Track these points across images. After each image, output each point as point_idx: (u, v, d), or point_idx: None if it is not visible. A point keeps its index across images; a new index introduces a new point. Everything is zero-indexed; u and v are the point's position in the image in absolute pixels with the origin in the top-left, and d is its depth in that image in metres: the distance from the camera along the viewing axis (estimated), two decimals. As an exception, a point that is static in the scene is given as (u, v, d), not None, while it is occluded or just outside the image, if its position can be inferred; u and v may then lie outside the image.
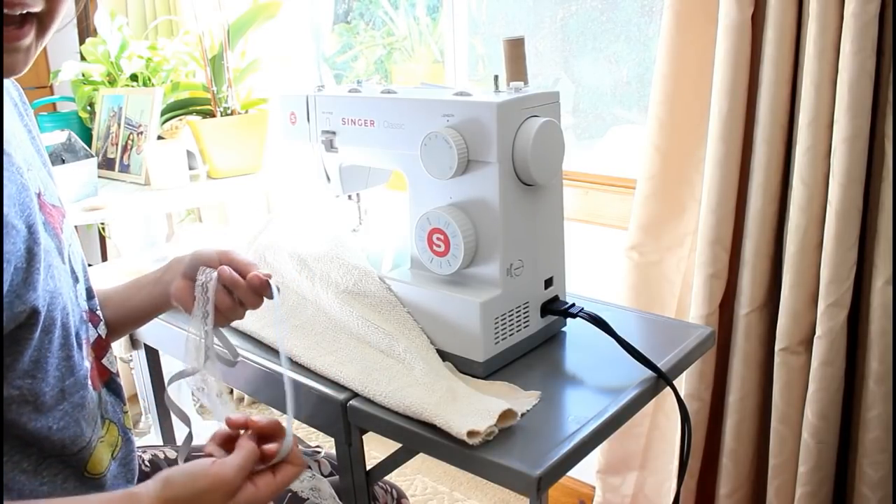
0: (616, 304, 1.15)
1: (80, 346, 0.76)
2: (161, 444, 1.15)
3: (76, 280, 0.79)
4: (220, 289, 0.81)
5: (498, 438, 0.77)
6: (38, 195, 0.75)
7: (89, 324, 0.81)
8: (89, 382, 0.77)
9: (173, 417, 1.30)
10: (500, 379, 0.90)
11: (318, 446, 1.06)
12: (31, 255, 0.67)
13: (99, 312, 0.86)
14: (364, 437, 0.88)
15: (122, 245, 2.01)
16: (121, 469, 0.84)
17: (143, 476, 1.00)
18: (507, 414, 0.79)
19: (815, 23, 1.17)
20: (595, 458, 1.68)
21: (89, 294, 0.84)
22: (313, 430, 1.64)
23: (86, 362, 0.77)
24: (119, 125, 1.86)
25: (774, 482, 1.39)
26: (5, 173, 0.68)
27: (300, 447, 1.14)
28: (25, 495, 0.71)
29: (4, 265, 0.64)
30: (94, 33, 1.94)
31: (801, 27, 1.23)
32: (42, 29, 0.67)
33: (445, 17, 1.94)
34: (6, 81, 0.80)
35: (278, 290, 0.81)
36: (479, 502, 1.92)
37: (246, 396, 2.46)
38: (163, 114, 1.85)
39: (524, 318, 0.94)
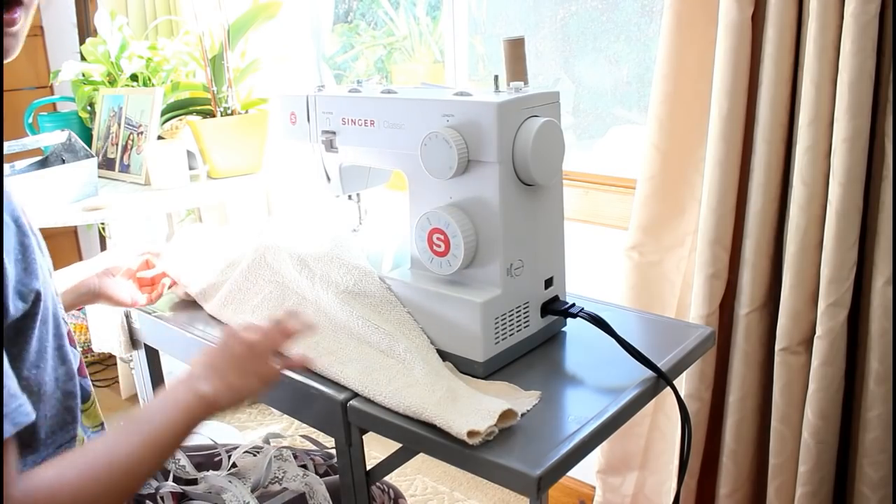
0: (616, 304, 1.15)
1: (70, 338, 0.79)
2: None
3: (50, 274, 0.81)
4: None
5: (498, 438, 0.77)
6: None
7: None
8: (77, 374, 0.79)
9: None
10: (500, 379, 0.90)
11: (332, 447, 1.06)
12: (23, 247, 0.69)
13: None
14: (364, 437, 0.88)
15: (122, 245, 2.01)
16: None
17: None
18: (507, 414, 0.79)
19: (815, 22, 1.17)
20: (595, 458, 1.68)
21: None
22: (313, 429, 1.64)
23: (75, 352, 0.79)
24: (119, 125, 1.86)
25: (774, 482, 1.39)
26: None
27: (315, 446, 1.14)
28: None
29: (6, 259, 0.65)
30: (95, 33, 1.94)
31: (801, 27, 1.23)
32: (27, 11, 0.70)
33: (445, 17, 1.95)
34: None
35: None
36: (479, 502, 1.92)
37: (246, 396, 2.45)
38: (163, 114, 1.85)
39: (524, 318, 0.94)
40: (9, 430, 0.60)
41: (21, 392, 0.63)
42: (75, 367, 0.79)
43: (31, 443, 0.73)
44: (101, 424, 0.88)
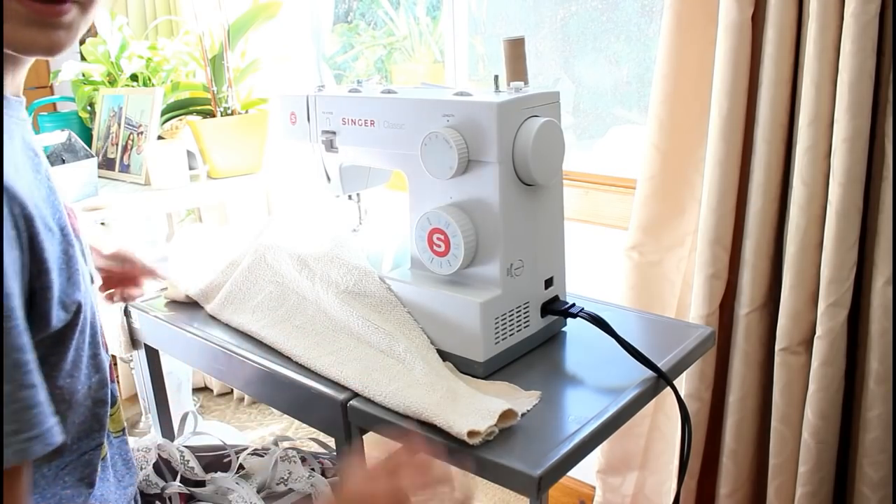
0: (616, 304, 1.15)
1: (103, 344, 0.78)
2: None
3: (92, 280, 0.80)
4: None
5: (498, 438, 0.77)
6: None
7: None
8: (109, 381, 0.78)
9: (173, 416, 1.30)
10: (500, 379, 0.90)
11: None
12: (67, 256, 0.67)
13: None
14: (364, 436, 0.88)
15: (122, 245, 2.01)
16: (122, 468, 0.84)
17: (159, 473, 1.00)
18: (507, 414, 0.79)
19: (816, 22, 1.17)
20: (595, 458, 1.68)
21: None
22: (313, 430, 1.64)
23: (106, 356, 0.79)
24: (119, 125, 1.86)
25: (774, 482, 1.39)
26: (37, 175, 0.67)
27: (323, 448, 1.14)
28: (48, 498, 0.72)
29: (50, 269, 0.63)
30: (95, 33, 1.94)
31: (802, 27, 1.23)
32: (84, 4, 0.65)
33: (445, 17, 1.94)
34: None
35: None
36: (479, 502, 1.92)
37: (246, 396, 2.46)
38: (163, 114, 1.85)
39: (524, 318, 0.94)
40: (39, 451, 0.58)
41: (54, 413, 0.61)
42: (107, 372, 0.78)
43: (58, 448, 0.73)
44: (123, 430, 0.87)
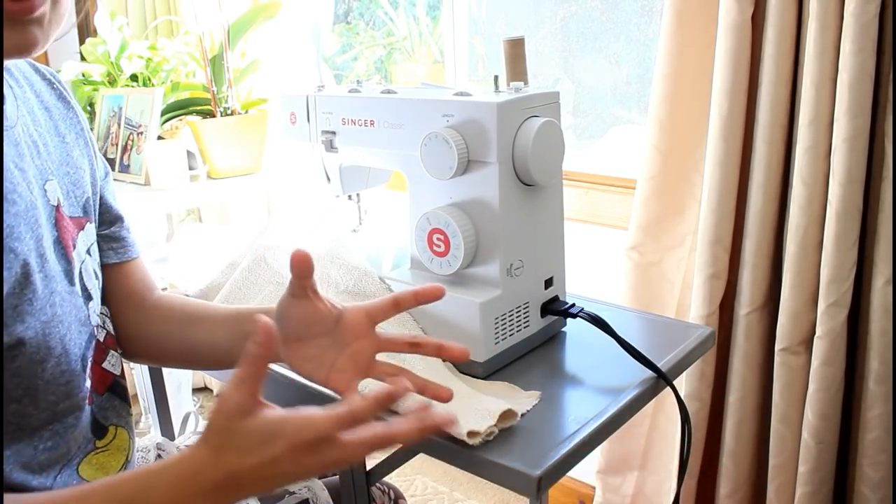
0: (616, 304, 1.15)
1: (84, 367, 0.73)
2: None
3: (89, 298, 0.76)
4: None
5: (498, 438, 0.77)
6: (57, 207, 0.72)
7: (96, 339, 0.77)
8: (86, 404, 0.74)
9: (173, 417, 1.30)
10: (500, 379, 0.90)
11: None
12: (27, 281, 0.64)
13: (108, 325, 0.82)
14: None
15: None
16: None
17: None
18: (507, 414, 0.79)
19: (816, 22, 1.17)
20: (595, 458, 1.68)
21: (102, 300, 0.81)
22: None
23: (87, 383, 0.75)
24: (119, 125, 1.86)
25: (774, 482, 1.39)
26: (18, 188, 0.66)
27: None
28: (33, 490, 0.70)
29: None
30: (94, 33, 1.94)
31: (802, 27, 1.23)
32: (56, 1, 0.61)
33: (445, 17, 1.95)
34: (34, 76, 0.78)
35: None
36: (479, 502, 1.92)
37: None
38: (163, 114, 1.85)
39: (524, 318, 0.94)
40: None
41: None
42: (85, 396, 0.75)
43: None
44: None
